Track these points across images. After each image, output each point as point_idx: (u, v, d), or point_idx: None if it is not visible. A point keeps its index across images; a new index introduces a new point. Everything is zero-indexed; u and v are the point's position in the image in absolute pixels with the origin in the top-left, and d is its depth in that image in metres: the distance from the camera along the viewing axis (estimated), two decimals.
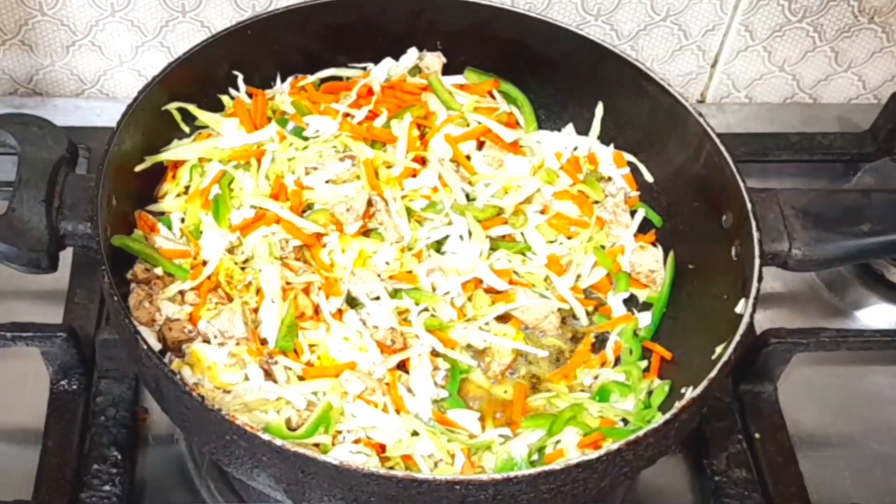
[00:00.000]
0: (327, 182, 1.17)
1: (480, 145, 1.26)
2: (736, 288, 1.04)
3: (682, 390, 1.05)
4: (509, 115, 1.29)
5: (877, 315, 1.34)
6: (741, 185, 1.07)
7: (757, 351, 1.18)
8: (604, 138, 1.28)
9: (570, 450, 1.03)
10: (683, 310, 1.16)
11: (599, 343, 1.18)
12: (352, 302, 1.12)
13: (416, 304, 1.13)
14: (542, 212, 1.24)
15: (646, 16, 1.45)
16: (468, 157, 1.25)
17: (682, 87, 1.54)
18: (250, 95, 1.23)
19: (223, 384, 1.04)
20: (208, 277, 1.10)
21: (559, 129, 1.31)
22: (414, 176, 1.20)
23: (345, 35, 1.25)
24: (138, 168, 1.14)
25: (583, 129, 1.29)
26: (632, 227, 1.24)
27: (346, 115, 1.22)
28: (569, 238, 1.23)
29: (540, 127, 1.30)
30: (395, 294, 1.13)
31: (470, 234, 1.18)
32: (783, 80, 1.56)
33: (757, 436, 1.17)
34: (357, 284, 1.12)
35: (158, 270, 1.11)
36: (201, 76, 1.18)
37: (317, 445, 0.99)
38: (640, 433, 0.90)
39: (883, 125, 1.45)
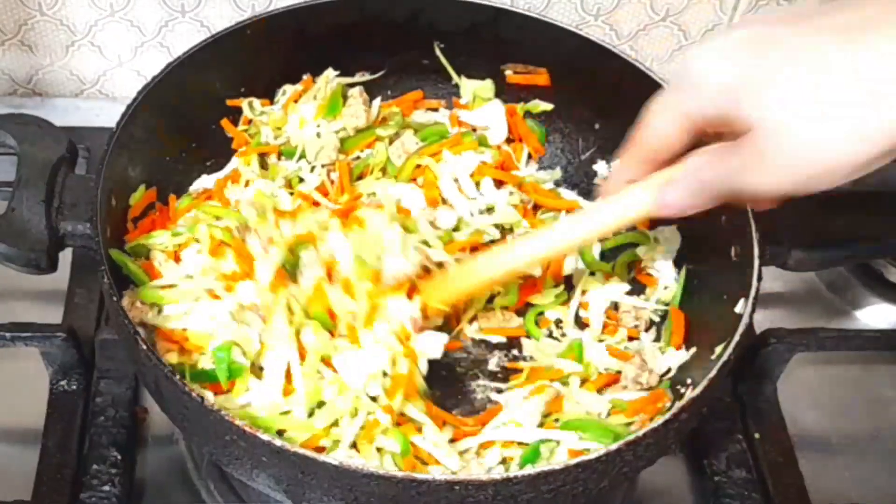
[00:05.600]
0: None
1: None
2: (735, 288, 1.04)
3: (682, 390, 1.05)
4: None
5: (877, 315, 1.34)
6: None
7: (757, 351, 1.18)
8: (603, 138, 1.28)
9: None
10: (682, 310, 1.16)
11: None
12: None
13: None
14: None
15: (645, 16, 1.45)
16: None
17: None
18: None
19: None
20: None
21: (559, 130, 1.31)
22: None
23: (345, 35, 1.25)
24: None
25: (582, 129, 1.29)
26: None
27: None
28: None
29: (540, 126, 1.31)
30: None
31: None
32: None
33: (757, 436, 1.16)
34: None
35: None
36: (201, 77, 1.18)
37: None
38: (640, 433, 0.90)
39: None
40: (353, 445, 0.99)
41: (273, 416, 0.99)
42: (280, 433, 0.98)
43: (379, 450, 0.99)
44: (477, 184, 1.25)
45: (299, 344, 1.03)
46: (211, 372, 1.02)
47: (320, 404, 1.01)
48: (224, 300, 1.05)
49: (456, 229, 1.22)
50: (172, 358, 1.03)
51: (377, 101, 1.28)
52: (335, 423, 1.00)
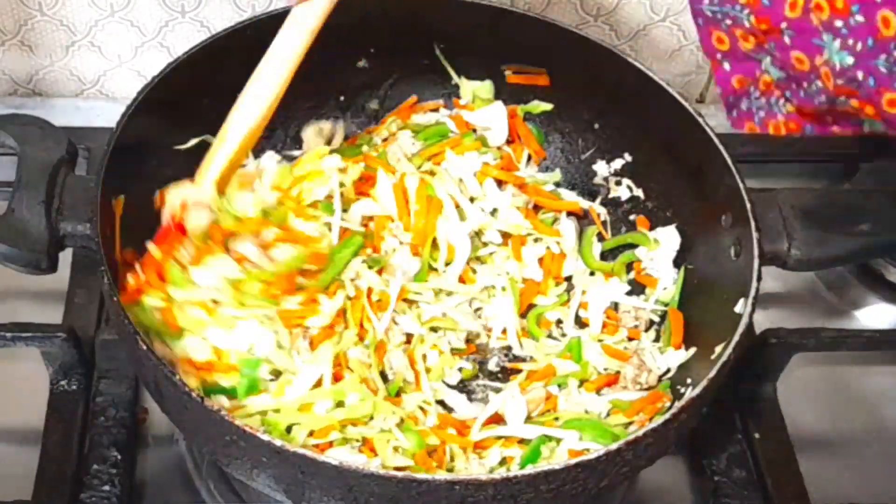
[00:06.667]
0: None
1: None
2: (735, 288, 1.04)
3: (682, 390, 1.05)
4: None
5: (877, 315, 1.34)
6: (741, 185, 1.07)
7: (757, 351, 1.18)
8: (603, 138, 1.28)
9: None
10: (682, 310, 1.16)
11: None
12: None
13: None
14: None
15: (645, 16, 1.45)
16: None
17: (681, 87, 1.53)
18: None
19: None
20: None
21: (559, 130, 1.31)
22: None
23: (344, 35, 1.25)
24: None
25: (582, 129, 1.29)
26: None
27: None
28: None
29: (539, 129, 1.31)
30: None
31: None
32: None
33: (757, 436, 1.16)
34: None
35: None
36: (201, 77, 1.18)
37: (316, 445, 1.00)
38: (640, 433, 0.90)
39: None
40: (365, 443, 1.01)
41: (291, 408, 1.00)
42: (289, 429, 1.00)
43: (395, 448, 1.00)
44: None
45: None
46: (228, 388, 1.02)
47: (340, 403, 1.02)
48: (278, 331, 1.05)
49: None
50: (192, 382, 1.00)
51: (339, 137, 1.28)
52: (351, 422, 1.01)
